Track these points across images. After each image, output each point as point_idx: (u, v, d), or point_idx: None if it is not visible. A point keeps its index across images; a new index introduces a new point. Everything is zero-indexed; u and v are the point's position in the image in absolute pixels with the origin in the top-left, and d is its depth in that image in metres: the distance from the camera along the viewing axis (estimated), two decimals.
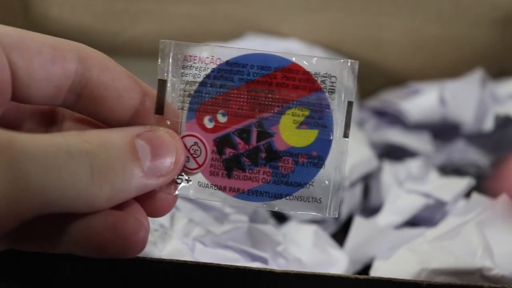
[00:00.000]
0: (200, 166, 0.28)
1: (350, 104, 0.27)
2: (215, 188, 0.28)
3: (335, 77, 0.26)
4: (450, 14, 0.61)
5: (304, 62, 0.27)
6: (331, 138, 0.27)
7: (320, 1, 0.62)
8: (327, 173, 0.27)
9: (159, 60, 0.27)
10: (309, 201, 0.27)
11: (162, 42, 0.27)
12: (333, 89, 0.27)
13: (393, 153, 0.57)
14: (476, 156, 0.58)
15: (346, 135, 0.27)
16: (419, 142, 0.57)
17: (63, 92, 0.27)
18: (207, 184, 0.28)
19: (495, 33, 0.62)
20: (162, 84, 0.27)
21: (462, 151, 0.58)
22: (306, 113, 0.27)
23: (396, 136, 0.58)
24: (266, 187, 0.27)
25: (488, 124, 0.56)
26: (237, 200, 0.28)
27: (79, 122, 0.29)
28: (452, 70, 0.61)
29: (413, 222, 0.47)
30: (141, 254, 0.34)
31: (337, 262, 0.41)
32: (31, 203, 0.22)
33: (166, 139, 0.26)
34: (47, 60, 0.26)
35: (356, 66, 0.26)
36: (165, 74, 0.27)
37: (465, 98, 0.56)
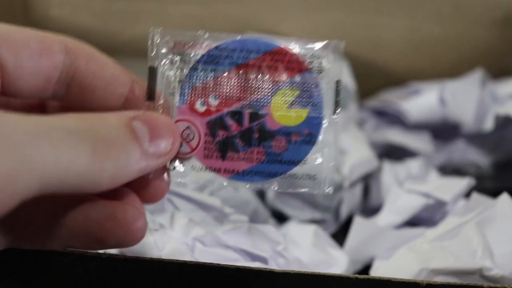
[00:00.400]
0: (193, 149, 0.28)
1: (338, 82, 0.28)
2: (210, 171, 0.28)
3: (321, 57, 0.28)
4: (450, 14, 0.61)
5: (291, 45, 0.28)
6: (322, 115, 0.28)
7: (320, 1, 0.62)
8: (320, 150, 0.28)
9: (149, 48, 0.28)
10: (303, 179, 0.28)
11: (151, 30, 0.28)
12: (321, 69, 0.28)
13: (393, 153, 0.57)
14: (476, 156, 0.58)
15: (335, 112, 0.28)
16: (419, 142, 0.57)
17: (52, 83, 0.27)
18: (201, 167, 0.28)
19: (495, 33, 0.62)
20: (152, 71, 0.28)
21: (462, 151, 0.58)
22: (296, 93, 0.28)
23: (396, 136, 0.58)
24: (261, 166, 0.28)
25: (488, 124, 0.56)
26: (232, 181, 0.28)
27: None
28: (452, 70, 0.61)
29: (413, 222, 0.47)
30: (141, 254, 0.34)
31: (337, 262, 0.41)
32: (29, 181, 0.21)
33: (161, 119, 0.26)
34: (35, 52, 0.26)
35: (341, 46, 0.28)
36: (155, 60, 0.28)
37: (465, 98, 0.56)
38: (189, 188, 0.44)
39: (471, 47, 0.62)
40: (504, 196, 0.40)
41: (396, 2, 0.61)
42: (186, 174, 0.28)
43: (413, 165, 0.53)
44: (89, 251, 0.29)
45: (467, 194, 0.47)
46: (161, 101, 0.28)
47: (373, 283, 0.29)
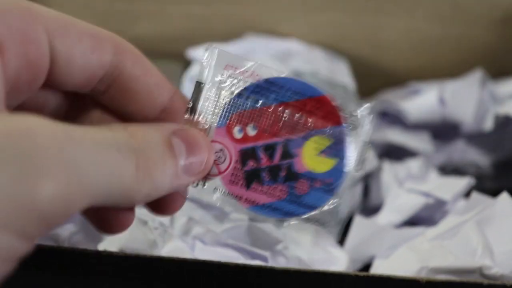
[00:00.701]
0: (221, 173, 0.28)
1: (367, 143, 0.29)
2: (232, 197, 0.28)
3: (357, 116, 0.29)
4: (450, 14, 0.61)
5: (334, 97, 0.29)
6: (346, 169, 0.29)
7: (320, 1, 0.62)
8: (337, 201, 0.29)
9: (202, 63, 0.28)
10: (315, 224, 0.29)
11: (209, 47, 0.28)
12: (355, 127, 0.29)
13: (393, 153, 0.57)
14: (476, 156, 0.58)
15: (358, 169, 0.29)
16: (419, 142, 0.57)
17: (94, 81, 0.27)
18: (224, 191, 0.28)
19: (495, 33, 0.62)
20: (199, 86, 0.28)
21: (462, 151, 0.58)
22: (328, 142, 0.29)
23: (396, 136, 0.58)
24: (280, 204, 0.28)
25: (488, 124, 0.56)
26: (250, 212, 0.29)
27: (104, 112, 0.29)
28: (452, 70, 0.61)
29: (413, 221, 0.47)
30: (141, 252, 0.34)
31: (337, 260, 0.41)
32: (84, 200, 0.21)
33: (200, 138, 0.26)
34: (87, 49, 0.26)
35: (372, 107, 0.29)
36: (204, 77, 0.28)
37: (465, 98, 0.56)
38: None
39: (471, 47, 0.62)
40: (504, 195, 0.40)
41: (396, 2, 0.61)
42: (207, 194, 0.28)
43: (413, 165, 0.53)
44: (89, 249, 0.29)
45: (467, 194, 0.47)
46: (201, 119, 0.28)
47: (373, 280, 0.29)
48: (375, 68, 0.64)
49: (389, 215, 0.47)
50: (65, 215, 0.21)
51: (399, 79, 0.63)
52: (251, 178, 0.28)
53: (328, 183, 0.29)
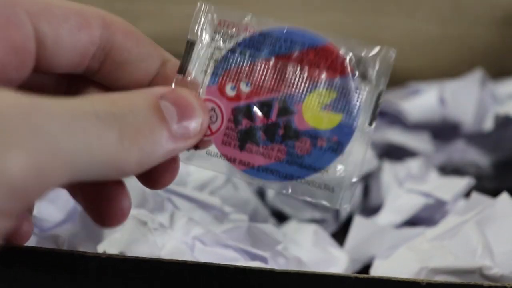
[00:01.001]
0: (212, 133, 0.26)
1: (380, 94, 0.25)
2: (224, 159, 0.26)
3: (369, 64, 0.25)
4: (450, 14, 0.61)
5: (340, 44, 0.26)
6: (355, 125, 0.26)
7: (320, 1, 0.62)
8: (345, 161, 0.26)
9: (192, 20, 0.26)
10: (320, 188, 0.26)
11: (200, 3, 0.27)
12: (365, 76, 0.25)
13: (393, 153, 0.57)
14: (476, 156, 0.58)
15: (371, 123, 0.26)
16: (419, 142, 0.57)
17: (87, 59, 0.26)
18: (216, 153, 0.26)
19: (495, 33, 0.62)
20: (190, 44, 0.26)
21: (462, 151, 0.58)
22: (333, 95, 0.26)
23: (396, 136, 0.58)
24: (278, 165, 0.26)
25: (488, 124, 0.56)
26: (245, 175, 0.26)
27: (101, 91, 0.28)
28: (452, 70, 0.61)
29: (413, 221, 0.47)
30: (141, 254, 0.34)
31: (337, 261, 0.41)
32: (60, 171, 0.20)
33: (191, 99, 0.25)
34: (74, 26, 0.25)
35: (394, 55, 0.25)
36: (195, 35, 0.26)
37: (465, 98, 0.56)
38: (189, 188, 0.44)
39: (471, 47, 0.62)
40: (504, 196, 0.40)
41: (396, 2, 0.61)
42: (198, 158, 0.27)
43: (413, 165, 0.53)
44: (88, 251, 0.29)
45: (467, 194, 0.47)
46: (192, 77, 0.27)
47: (373, 282, 0.29)
48: None
49: (389, 215, 0.47)
50: (41, 188, 0.20)
51: (399, 79, 0.63)
52: (245, 138, 0.26)
53: (334, 141, 0.26)
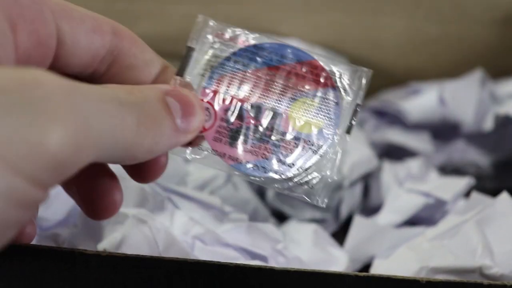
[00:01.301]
0: (205, 130, 0.29)
1: (358, 105, 0.29)
2: (214, 153, 0.29)
3: (348, 79, 0.29)
4: (450, 14, 0.61)
5: (324, 61, 0.29)
6: (334, 131, 0.29)
7: (320, 1, 0.62)
8: (324, 162, 0.29)
9: (193, 29, 0.29)
10: (301, 184, 0.29)
11: (200, 17, 0.29)
12: (345, 90, 0.29)
13: (393, 153, 0.57)
14: (476, 156, 0.58)
15: (348, 131, 0.29)
16: (419, 142, 0.57)
17: (96, 61, 0.28)
18: (207, 148, 0.29)
19: (495, 33, 0.62)
20: (189, 50, 0.29)
21: (462, 151, 0.58)
22: (316, 104, 0.29)
23: (396, 136, 0.58)
24: (264, 162, 0.29)
25: (488, 124, 0.56)
26: (232, 169, 0.29)
27: None
28: (452, 70, 0.61)
29: (413, 221, 0.47)
30: (141, 253, 0.34)
31: (337, 260, 0.41)
32: (90, 150, 0.22)
33: (193, 98, 0.27)
34: (90, 29, 0.27)
35: (370, 74, 0.29)
36: (195, 43, 0.29)
37: (465, 98, 0.56)
38: (190, 187, 0.44)
39: (471, 47, 0.62)
40: (504, 195, 0.40)
41: (396, 2, 0.61)
42: (192, 152, 0.29)
43: (413, 165, 0.53)
44: (89, 249, 0.29)
45: (467, 194, 0.47)
46: (188, 79, 0.29)
47: (374, 280, 0.29)
48: (375, 68, 0.63)
49: (389, 215, 0.47)
50: (75, 164, 0.21)
51: (399, 79, 0.63)
52: (236, 136, 0.29)
53: (314, 144, 0.29)
